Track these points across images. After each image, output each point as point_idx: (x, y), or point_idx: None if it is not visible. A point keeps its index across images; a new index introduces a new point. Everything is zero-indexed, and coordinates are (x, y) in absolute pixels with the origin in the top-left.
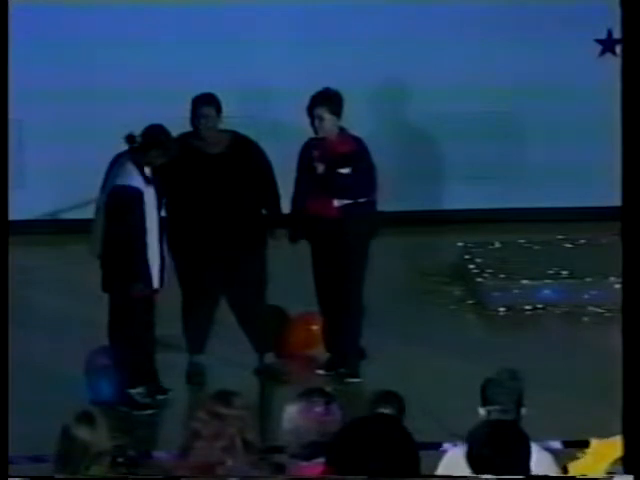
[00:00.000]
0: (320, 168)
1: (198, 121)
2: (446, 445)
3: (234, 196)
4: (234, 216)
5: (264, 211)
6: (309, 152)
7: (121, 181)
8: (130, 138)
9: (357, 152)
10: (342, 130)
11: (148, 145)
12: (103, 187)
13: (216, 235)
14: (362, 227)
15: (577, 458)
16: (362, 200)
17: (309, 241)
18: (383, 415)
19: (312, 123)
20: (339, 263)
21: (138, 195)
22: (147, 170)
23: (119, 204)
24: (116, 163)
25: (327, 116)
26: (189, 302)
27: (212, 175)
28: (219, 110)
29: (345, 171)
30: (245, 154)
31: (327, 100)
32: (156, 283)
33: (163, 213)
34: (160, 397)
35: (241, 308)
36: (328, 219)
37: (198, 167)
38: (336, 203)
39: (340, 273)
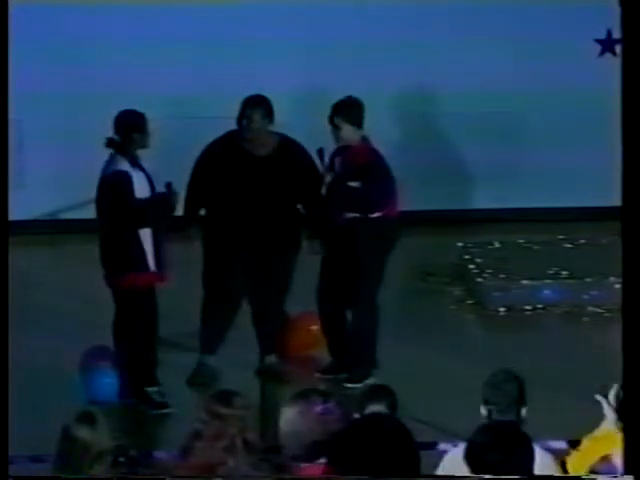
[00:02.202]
0: (328, 178)
1: (243, 122)
2: (446, 445)
3: (275, 200)
4: (273, 219)
5: (305, 215)
6: (330, 160)
7: (107, 169)
8: (110, 142)
9: (371, 165)
10: (364, 140)
11: (127, 133)
12: None
13: (253, 237)
14: (369, 238)
15: (568, 455)
16: (370, 214)
17: (321, 247)
18: (383, 415)
19: (332, 131)
20: (347, 273)
21: (126, 177)
22: (136, 157)
23: (107, 188)
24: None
25: (344, 125)
26: (212, 301)
27: (256, 177)
28: (269, 113)
29: (354, 184)
30: (292, 158)
31: (345, 109)
32: (152, 265)
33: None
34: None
35: (263, 308)
36: (336, 228)
37: (243, 167)
38: (343, 214)
39: (350, 282)
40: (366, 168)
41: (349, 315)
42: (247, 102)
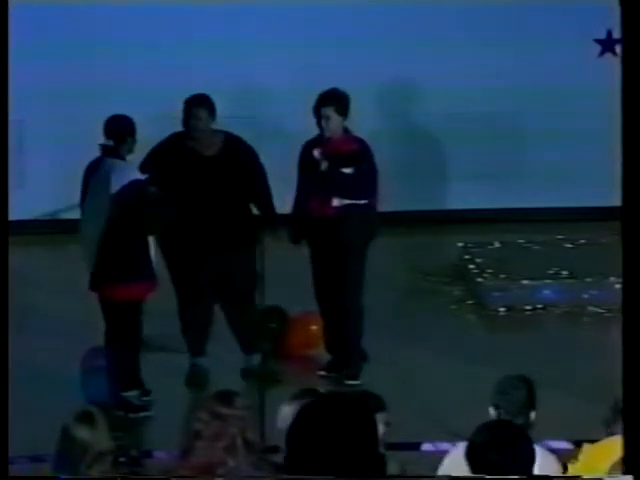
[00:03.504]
0: (323, 166)
1: (190, 122)
2: (446, 445)
3: (227, 198)
4: (227, 218)
5: (258, 212)
6: (311, 151)
7: (121, 179)
8: (105, 147)
9: (360, 153)
10: (346, 131)
11: (122, 139)
12: (84, 193)
13: (209, 237)
14: (361, 228)
15: (570, 461)
16: (362, 201)
17: (308, 241)
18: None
19: (318, 122)
20: (337, 263)
21: (143, 186)
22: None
23: (130, 199)
24: (101, 168)
25: (334, 116)
26: (184, 304)
27: (206, 177)
28: (212, 111)
29: (347, 171)
30: (238, 155)
31: (335, 100)
32: (155, 272)
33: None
34: (146, 398)
35: (233, 308)
36: (327, 219)
37: (192, 169)
38: (336, 202)
39: (338, 273)
40: (358, 156)
41: (343, 309)
42: (191, 101)
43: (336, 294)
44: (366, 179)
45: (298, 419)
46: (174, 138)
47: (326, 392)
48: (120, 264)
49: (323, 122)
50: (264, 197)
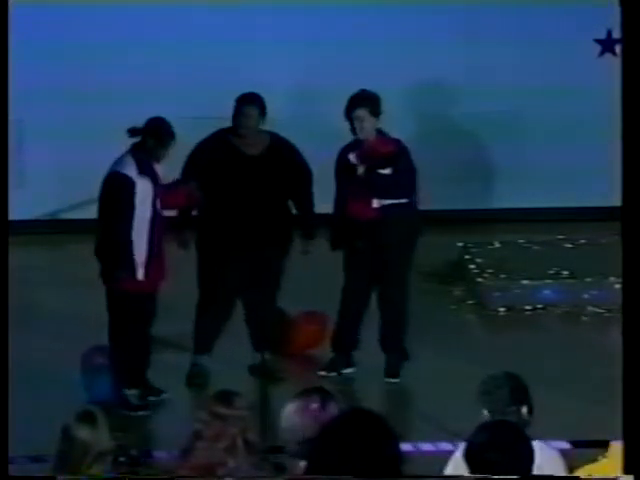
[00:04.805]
0: (360, 170)
1: (239, 119)
2: (446, 445)
3: (268, 198)
4: (265, 218)
5: (297, 215)
6: (347, 156)
7: (113, 169)
8: (133, 131)
9: (398, 153)
10: (380, 132)
11: (145, 135)
12: None
13: (245, 235)
14: (403, 227)
15: (595, 460)
16: (403, 200)
17: (346, 244)
18: (362, 411)
19: (351, 125)
20: (381, 264)
21: (128, 183)
22: (154, 163)
23: (108, 190)
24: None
25: (367, 117)
26: (208, 301)
27: (249, 176)
28: (262, 110)
29: (387, 171)
30: (283, 157)
31: (367, 101)
32: (140, 274)
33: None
34: (154, 398)
35: (256, 306)
36: (368, 221)
37: (236, 166)
38: (376, 204)
39: (384, 274)
40: (396, 156)
41: (381, 306)
42: (242, 99)
43: (382, 295)
44: (406, 178)
45: (329, 431)
46: (220, 134)
47: (332, 392)
48: (104, 256)
49: (357, 124)
50: (305, 200)
